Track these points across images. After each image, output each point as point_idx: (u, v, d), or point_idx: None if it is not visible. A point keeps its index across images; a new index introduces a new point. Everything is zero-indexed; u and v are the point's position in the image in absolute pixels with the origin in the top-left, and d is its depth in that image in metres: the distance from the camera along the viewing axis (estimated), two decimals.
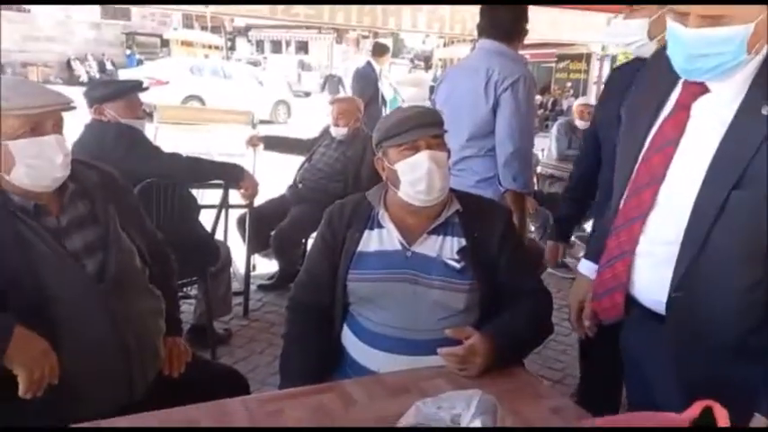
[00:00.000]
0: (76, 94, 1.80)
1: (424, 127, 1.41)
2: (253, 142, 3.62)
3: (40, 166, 1.20)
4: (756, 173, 0.97)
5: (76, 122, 2.01)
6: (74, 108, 1.28)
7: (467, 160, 2.36)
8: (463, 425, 0.77)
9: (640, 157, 1.17)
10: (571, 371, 2.87)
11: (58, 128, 1.24)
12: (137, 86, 2.38)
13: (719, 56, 1.00)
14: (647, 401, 1.19)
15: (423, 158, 1.38)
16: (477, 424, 0.76)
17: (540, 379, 1.31)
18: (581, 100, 5.25)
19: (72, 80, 20.05)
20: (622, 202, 1.22)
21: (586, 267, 1.45)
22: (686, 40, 1.01)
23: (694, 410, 0.80)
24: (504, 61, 2.29)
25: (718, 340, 1.08)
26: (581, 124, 4.82)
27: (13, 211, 1.20)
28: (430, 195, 1.41)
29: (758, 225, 0.99)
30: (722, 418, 0.78)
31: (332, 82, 16.06)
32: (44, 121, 1.21)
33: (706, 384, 0.87)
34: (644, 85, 1.25)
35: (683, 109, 1.10)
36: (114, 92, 2.31)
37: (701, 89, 1.08)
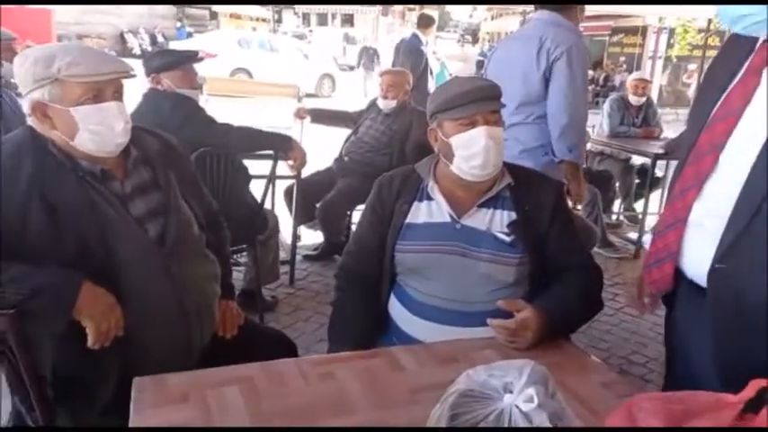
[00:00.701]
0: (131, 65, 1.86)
1: (482, 101, 1.39)
2: (300, 114, 3.65)
3: (102, 131, 1.25)
4: None
5: (135, 92, 2.08)
6: (134, 76, 1.32)
7: (513, 128, 2.35)
8: (515, 393, 0.78)
9: (706, 126, 1.13)
10: (616, 350, 2.84)
11: (118, 95, 1.29)
12: (193, 57, 2.44)
13: (740, 6, 0.96)
14: (687, 377, 1.18)
15: (480, 134, 1.37)
16: (529, 392, 0.76)
17: (587, 353, 1.30)
18: (636, 74, 5.04)
19: (125, 52, 20.59)
20: (684, 169, 1.18)
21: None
22: None
23: (750, 390, 0.78)
24: (557, 30, 2.28)
25: (759, 319, 1.03)
26: (634, 100, 4.65)
27: (83, 175, 1.25)
28: (485, 171, 1.40)
29: None
30: None
31: (367, 55, 15.67)
32: (105, 89, 1.25)
33: (744, 363, 0.84)
34: (722, 54, 1.20)
35: (754, 74, 1.05)
36: (172, 61, 2.37)
37: None
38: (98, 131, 1.25)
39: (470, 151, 1.38)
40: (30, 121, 1.25)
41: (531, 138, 2.35)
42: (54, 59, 1.20)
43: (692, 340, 1.22)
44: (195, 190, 1.53)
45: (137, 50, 21.14)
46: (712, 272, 1.07)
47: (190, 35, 20.17)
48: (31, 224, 1.17)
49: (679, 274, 1.22)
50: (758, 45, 1.07)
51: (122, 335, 1.23)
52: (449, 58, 14.21)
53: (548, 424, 0.76)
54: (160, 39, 21.81)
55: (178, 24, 22.66)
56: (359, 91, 13.65)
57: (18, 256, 1.15)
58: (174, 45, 16.39)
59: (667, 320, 1.35)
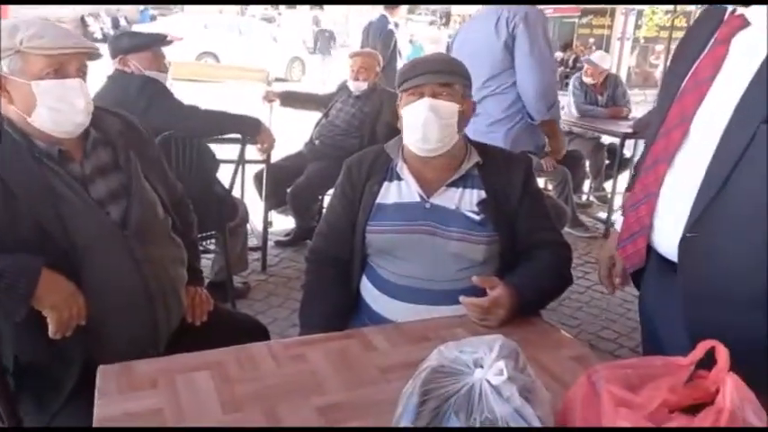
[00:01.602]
0: None
1: (430, 73, 1.38)
2: (269, 98, 3.59)
3: (62, 109, 1.20)
4: None
5: (99, 75, 2.01)
6: (99, 55, 1.27)
7: (482, 102, 2.45)
8: (485, 367, 0.78)
9: (675, 98, 1.14)
10: (586, 327, 2.90)
11: (81, 73, 1.24)
12: (161, 39, 2.37)
13: None
14: (658, 353, 1.20)
15: (422, 106, 1.37)
16: (499, 366, 0.76)
17: (558, 327, 1.31)
18: (593, 56, 5.03)
19: (86, 36, 19.91)
20: (654, 143, 1.19)
21: (620, 222, 1.43)
22: None
23: (698, 352, 0.81)
24: (511, 5, 2.41)
25: (730, 291, 1.05)
26: (589, 81, 4.70)
27: (39, 156, 1.20)
28: (425, 145, 1.39)
29: None
30: (723, 357, 0.78)
31: (323, 38, 14.86)
32: (68, 64, 1.20)
33: (713, 334, 0.86)
34: (691, 29, 1.21)
35: (722, 44, 1.06)
36: (140, 43, 2.30)
37: (742, 22, 1.03)
38: (58, 108, 1.19)
39: (412, 123, 1.38)
40: None
41: (498, 109, 2.45)
42: (17, 30, 1.15)
43: (663, 316, 1.24)
44: (159, 171, 1.49)
45: (98, 35, 20.46)
46: (683, 241, 1.08)
47: (153, 18, 19.59)
48: None
49: (649, 250, 1.23)
50: (726, 16, 1.08)
51: (87, 321, 1.20)
52: (421, 40, 14.17)
53: (517, 396, 0.76)
54: (123, 22, 21.16)
55: (141, 8, 22.00)
56: (323, 75, 13.26)
57: None
58: (138, 28, 15.94)
59: (640, 300, 1.37)
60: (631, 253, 1.27)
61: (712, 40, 1.10)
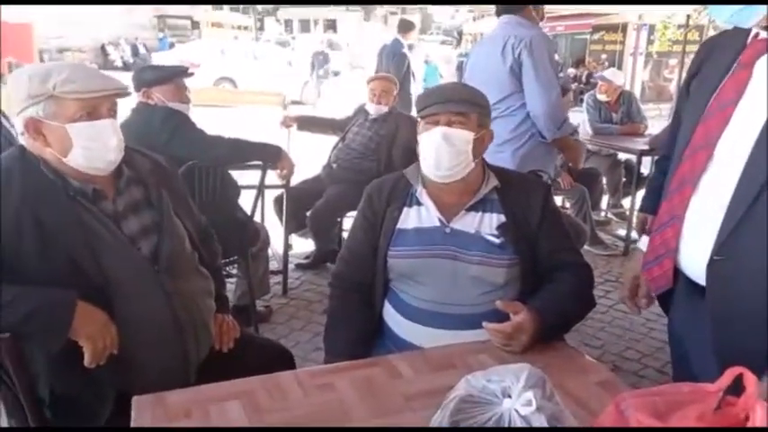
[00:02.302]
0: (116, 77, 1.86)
1: (444, 102, 1.42)
2: (287, 123, 3.66)
3: (95, 148, 1.25)
4: None
5: (122, 107, 2.08)
6: (129, 93, 1.32)
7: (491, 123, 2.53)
8: (513, 397, 0.79)
9: (700, 121, 1.15)
10: (609, 347, 2.87)
11: (112, 112, 1.29)
12: (183, 72, 2.45)
13: None
14: (690, 377, 1.19)
15: (435, 134, 1.41)
16: (527, 396, 0.77)
17: (582, 352, 1.31)
18: (606, 73, 5.05)
19: (106, 65, 20.46)
20: (679, 165, 1.20)
21: (644, 243, 1.43)
22: None
23: (726, 379, 0.81)
24: (517, 28, 2.53)
25: (758, 314, 1.05)
26: (603, 98, 4.70)
27: (73, 195, 1.25)
28: (438, 171, 1.42)
29: None
30: (751, 384, 0.79)
31: (317, 60, 14.66)
32: (100, 106, 1.26)
33: (743, 358, 0.86)
34: (708, 53, 1.22)
35: (745, 68, 1.08)
36: (162, 76, 2.39)
37: (764, 47, 1.05)
38: (92, 147, 1.25)
39: (426, 150, 1.43)
40: (22, 139, 1.25)
41: (506, 130, 2.53)
42: (50, 76, 1.20)
43: (693, 340, 1.23)
44: (186, 207, 1.53)
45: (118, 63, 21.01)
46: (710, 264, 1.09)
47: (172, 45, 20.08)
48: (23, 245, 1.17)
49: (676, 273, 1.23)
50: (749, 40, 1.10)
51: (119, 353, 1.23)
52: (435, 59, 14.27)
53: (546, 425, 0.77)
54: (142, 50, 21.71)
55: (160, 35, 22.57)
56: (346, 97, 13.15)
57: (11, 279, 1.14)
58: (157, 56, 16.31)
59: (669, 323, 1.37)
60: (658, 275, 1.27)
61: (735, 64, 1.11)
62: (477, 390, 0.82)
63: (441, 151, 1.39)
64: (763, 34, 1.06)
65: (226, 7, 23.79)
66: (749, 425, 0.79)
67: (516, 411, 0.78)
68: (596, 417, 0.88)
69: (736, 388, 0.84)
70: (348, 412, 1.02)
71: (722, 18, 1.06)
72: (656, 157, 4.01)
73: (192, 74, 2.47)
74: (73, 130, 1.23)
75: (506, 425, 0.78)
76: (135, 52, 21.77)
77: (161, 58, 15.04)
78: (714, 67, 1.18)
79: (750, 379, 0.83)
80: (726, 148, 1.08)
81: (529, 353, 1.22)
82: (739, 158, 1.05)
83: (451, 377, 0.94)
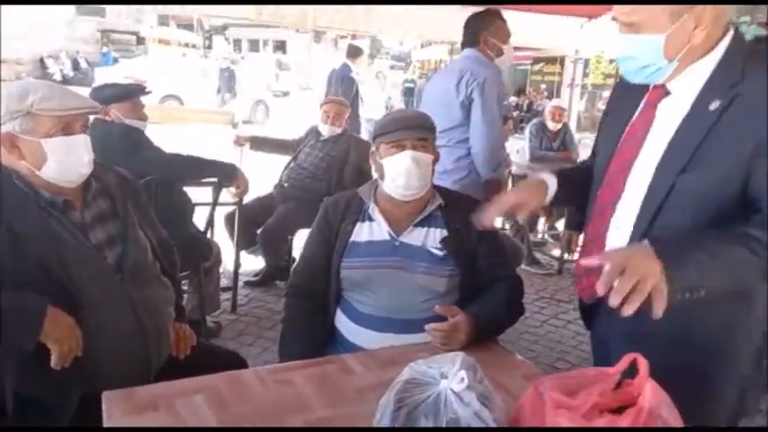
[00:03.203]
0: None
1: (410, 129, 1.58)
2: (240, 142, 3.74)
3: (68, 162, 1.34)
4: (702, 158, 1.15)
5: None
6: (99, 111, 1.41)
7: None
8: (449, 378, 0.93)
9: (615, 153, 1.35)
10: (542, 359, 3.08)
11: (84, 128, 1.38)
12: (141, 90, 2.51)
13: (640, 59, 1.19)
14: None
15: (405, 157, 1.56)
16: (461, 375, 0.92)
17: (512, 352, 1.48)
18: (554, 102, 5.49)
19: (45, 78, 19.70)
20: (599, 192, 1.39)
21: (548, 176, 1.45)
22: (618, 43, 1.22)
23: (623, 363, 0.99)
24: (475, 65, 2.68)
25: (662, 323, 1.25)
26: (552, 125, 5.06)
27: (44, 206, 1.33)
28: (407, 191, 1.58)
29: (703, 207, 1.16)
30: (643, 368, 0.96)
31: (223, 78, 14.08)
32: (74, 122, 1.35)
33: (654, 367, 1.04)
34: (621, 91, 1.42)
35: (651, 108, 1.28)
36: (120, 93, 2.44)
37: (664, 92, 1.26)
38: (65, 161, 1.33)
39: (396, 172, 1.57)
40: None
41: (448, 160, 2.67)
42: (27, 94, 1.28)
43: (613, 350, 1.40)
44: (149, 219, 1.62)
45: (57, 76, 20.25)
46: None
47: (116, 61, 19.62)
48: None
49: None
50: (651, 86, 1.31)
51: (84, 356, 1.30)
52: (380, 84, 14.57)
53: (476, 401, 0.92)
54: (83, 64, 21.05)
55: (104, 50, 21.98)
56: (296, 117, 12.80)
57: None
58: (100, 71, 15.91)
59: (592, 337, 1.53)
60: (587, 286, 1.45)
61: (643, 103, 1.32)
62: (419, 374, 0.96)
63: (411, 173, 1.55)
64: (660, 81, 1.27)
65: (173, 24, 23.51)
66: (640, 399, 0.96)
67: (451, 390, 0.92)
68: (520, 397, 1.04)
69: (633, 373, 1.02)
70: (307, 403, 1.14)
71: (636, 80, 1.26)
72: None
73: (149, 92, 2.54)
74: (48, 145, 1.31)
75: (443, 402, 0.92)
76: (76, 66, 21.09)
77: (104, 74, 14.70)
78: (624, 105, 1.38)
79: (642, 363, 1.01)
80: (637, 175, 1.28)
81: (465, 351, 1.37)
82: (644, 185, 1.25)
83: (397, 372, 1.07)
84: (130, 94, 2.48)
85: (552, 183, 1.42)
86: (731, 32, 1.19)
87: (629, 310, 0.99)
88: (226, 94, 13.47)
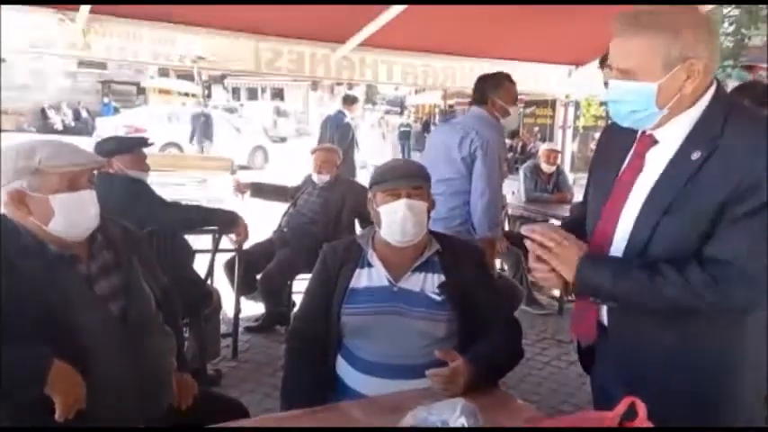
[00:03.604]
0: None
1: (406, 178, 1.63)
2: (240, 189, 3.80)
3: (76, 217, 1.38)
4: (682, 203, 1.20)
5: None
6: (104, 166, 1.46)
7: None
8: (450, 424, 0.95)
9: (608, 199, 1.40)
10: (547, 401, 3.05)
11: (90, 183, 1.42)
12: (143, 142, 2.58)
13: (631, 104, 1.25)
14: None
15: (400, 205, 1.60)
16: (462, 422, 0.93)
17: (513, 396, 1.48)
18: (547, 145, 5.61)
19: (46, 128, 20.01)
20: (593, 237, 1.42)
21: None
22: (609, 88, 1.28)
23: (621, 406, 1.00)
24: (481, 124, 2.80)
25: (651, 353, 1.28)
26: (546, 168, 5.15)
27: (52, 260, 1.36)
28: (403, 237, 1.62)
29: (681, 248, 1.21)
30: (642, 411, 0.98)
31: (198, 123, 13.37)
32: (80, 178, 1.39)
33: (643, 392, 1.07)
34: (609, 140, 1.48)
35: (639, 157, 1.33)
36: (123, 146, 2.51)
37: (652, 141, 1.31)
38: (72, 217, 1.37)
39: (392, 219, 1.61)
40: (4, 209, 1.35)
41: (445, 207, 2.75)
42: (35, 152, 1.33)
43: (613, 390, 1.42)
44: (152, 269, 1.65)
45: (58, 126, 20.59)
46: (609, 311, 1.33)
47: (117, 110, 19.97)
48: (4, 307, 1.25)
49: (600, 328, 1.43)
50: (639, 134, 1.36)
51: (87, 405, 1.30)
52: (374, 128, 14.91)
53: None
54: (84, 114, 21.41)
55: (105, 100, 22.38)
56: (294, 163, 12.36)
57: None
58: (101, 121, 16.17)
59: (591, 378, 1.55)
60: (584, 330, 1.47)
61: (632, 152, 1.37)
62: (420, 420, 0.98)
63: (407, 220, 1.59)
64: (649, 130, 1.33)
65: (173, 74, 24.03)
66: None
67: None
68: None
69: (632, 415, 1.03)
70: None
71: (625, 123, 1.32)
72: None
73: (152, 143, 2.61)
74: (55, 201, 1.35)
75: None
76: (77, 116, 21.45)
77: (105, 124, 14.95)
78: (613, 155, 1.44)
79: (641, 406, 1.02)
80: (625, 220, 1.33)
81: (466, 396, 1.37)
82: (629, 229, 1.30)
83: (399, 419, 1.08)
84: (132, 146, 2.55)
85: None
86: (714, 85, 1.25)
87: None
88: (204, 141, 13.14)
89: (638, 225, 1.27)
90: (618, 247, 1.32)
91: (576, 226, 1.56)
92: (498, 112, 2.87)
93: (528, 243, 1.30)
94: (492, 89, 2.85)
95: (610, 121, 1.40)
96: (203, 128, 13.16)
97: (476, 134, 2.73)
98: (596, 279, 1.25)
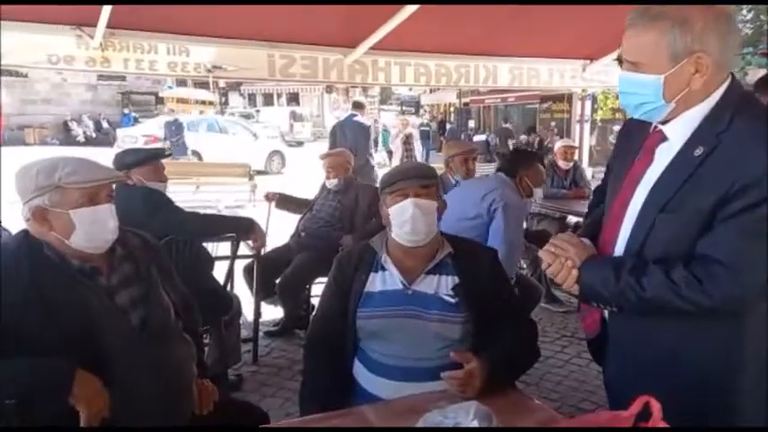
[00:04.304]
0: (75, 154, 1.97)
1: (412, 178, 1.65)
2: (270, 197, 3.89)
3: (95, 230, 1.42)
4: (680, 200, 1.20)
5: None
6: (123, 180, 1.50)
7: None
8: (464, 427, 0.95)
9: (617, 195, 1.40)
10: (567, 400, 3.03)
11: (109, 197, 1.47)
12: (161, 153, 2.64)
13: (639, 96, 1.25)
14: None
15: (408, 204, 1.62)
16: (474, 424, 0.94)
17: (530, 396, 1.48)
18: (563, 141, 5.55)
19: (69, 140, 20.46)
20: (602, 233, 1.43)
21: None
22: (619, 80, 1.28)
23: (636, 406, 1.00)
24: (505, 188, 2.94)
25: (648, 351, 1.28)
26: (563, 164, 5.11)
27: (74, 273, 1.41)
28: (415, 237, 1.63)
29: (677, 245, 1.21)
30: (656, 411, 0.98)
31: (170, 130, 13.03)
32: (100, 192, 1.44)
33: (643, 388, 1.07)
34: (628, 134, 1.48)
35: (649, 152, 1.33)
36: (142, 158, 2.57)
37: (661, 137, 1.31)
38: (92, 231, 1.41)
39: (402, 219, 1.63)
40: (27, 225, 1.40)
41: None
42: (55, 169, 1.38)
43: (617, 384, 1.42)
44: (171, 279, 1.68)
45: (81, 138, 21.02)
46: (610, 313, 1.33)
47: (136, 120, 20.30)
48: (28, 320, 1.30)
49: (604, 322, 1.44)
50: (651, 129, 1.36)
51: (111, 416, 1.34)
52: (393, 126, 14.96)
53: None
54: (105, 125, 21.81)
55: (125, 111, 22.78)
56: (311, 167, 12.32)
57: (16, 350, 1.26)
58: (121, 131, 16.46)
59: (604, 373, 1.54)
60: (590, 323, 1.48)
61: (642, 149, 1.37)
62: (434, 424, 0.99)
63: (416, 219, 1.61)
64: (659, 126, 1.32)
65: (190, 83, 24.35)
66: None
67: None
68: None
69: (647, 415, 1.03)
70: None
71: (635, 115, 1.32)
72: None
73: (169, 154, 2.67)
74: (76, 216, 1.39)
75: None
76: (98, 128, 21.87)
77: (125, 134, 15.21)
78: (628, 149, 1.44)
79: (655, 405, 1.02)
80: (630, 216, 1.32)
81: (482, 397, 1.38)
82: (629, 229, 1.30)
83: (414, 422, 1.09)
84: (151, 157, 2.60)
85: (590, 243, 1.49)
86: (728, 80, 1.24)
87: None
88: (176, 148, 12.68)
89: (638, 223, 1.28)
90: (621, 246, 1.32)
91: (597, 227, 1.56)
92: (524, 190, 3.01)
93: (542, 253, 1.34)
94: (524, 167, 3.01)
95: (629, 115, 1.40)
96: (174, 134, 13.01)
97: (498, 194, 2.85)
98: (595, 286, 1.27)
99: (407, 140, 11.55)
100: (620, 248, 1.33)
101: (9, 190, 1.56)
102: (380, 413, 1.35)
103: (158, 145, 11.94)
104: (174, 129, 13.12)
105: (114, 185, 2.53)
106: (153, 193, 2.50)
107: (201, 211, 2.74)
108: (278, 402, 2.89)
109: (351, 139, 6.02)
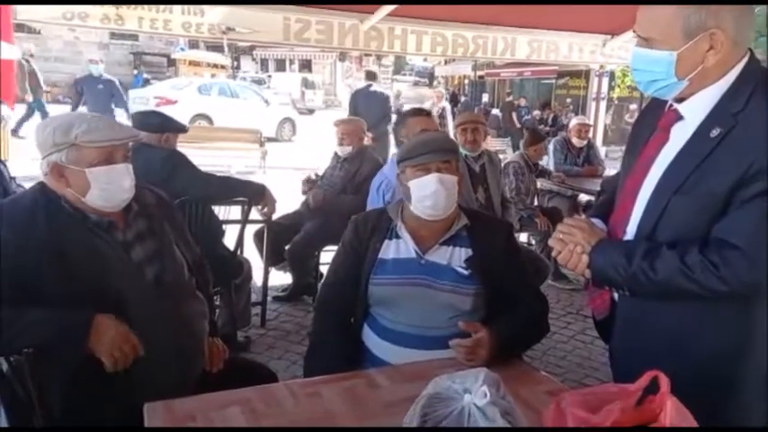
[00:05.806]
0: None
1: (435, 152, 1.63)
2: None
3: (111, 189, 1.43)
4: (695, 183, 1.18)
5: None
6: (140, 139, 1.50)
7: None
8: (472, 393, 0.97)
9: (630, 173, 1.38)
10: (570, 375, 3.06)
11: (126, 157, 1.47)
12: (181, 128, 2.69)
13: (651, 73, 1.22)
14: None
15: (431, 180, 1.60)
16: (483, 390, 0.95)
17: (536, 368, 1.50)
18: (578, 119, 5.48)
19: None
20: (613, 212, 1.42)
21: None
22: (632, 56, 1.26)
23: (644, 380, 1.01)
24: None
25: (657, 337, 1.28)
26: (577, 142, 5.06)
27: (91, 227, 1.42)
28: (436, 211, 1.62)
29: (690, 228, 1.20)
30: (664, 385, 0.98)
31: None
32: (116, 152, 1.44)
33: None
34: (648, 112, 1.45)
35: (664, 131, 1.31)
36: (167, 126, 2.59)
37: (677, 116, 1.28)
38: (108, 189, 1.42)
39: (423, 193, 1.61)
40: (45, 179, 1.42)
41: None
42: (72, 127, 1.38)
43: (628, 363, 1.42)
44: (184, 237, 1.70)
45: None
46: (621, 296, 1.33)
47: (147, 81, 20.17)
48: (45, 271, 1.32)
49: (613, 303, 1.44)
50: (666, 108, 1.34)
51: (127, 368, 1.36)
52: (407, 99, 14.80)
53: (499, 417, 0.95)
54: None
55: (135, 71, 22.64)
56: (319, 134, 11.88)
57: (34, 301, 1.29)
58: (132, 92, 16.38)
59: (609, 351, 1.55)
60: (599, 303, 1.48)
61: (657, 128, 1.35)
62: (443, 389, 1.00)
63: (439, 194, 1.60)
64: (675, 105, 1.30)
65: (203, 46, 24.12)
66: (661, 416, 0.98)
67: (474, 405, 0.96)
68: (543, 411, 1.07)
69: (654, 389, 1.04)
70: (335, 417, 1.19)
71: (648, 92, 1.30)
72: None
73: (186, 130, 2.68)
74: (92, 175, 1.40)
75: (466, 416, 0.95)
76: None
77: (136, 95, 15.13)
78: (645, 125, 1.42)
79: (663, 380, 1.03)
80: (642, 196, 1.31)
81: (489, 367, 1.39)
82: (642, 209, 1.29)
83: (421, 387, 1.10)
84: (169, 129, 2.62)
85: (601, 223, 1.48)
86: (746, 58, 1.21)
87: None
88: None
89: (650, 204, 1.26)
90: (632, 227, 1.31)
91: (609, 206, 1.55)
92: None
93: (552, 242, 1.34)
94: None
95: (643, 92, 1.38)
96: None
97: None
98: (607, 271, 1.25)
99: (442, 114, 10.64)
100: (631, 229, 1.31)
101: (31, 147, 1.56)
102: (389, 376, 1.37)
103: (152, 106, 11.79)
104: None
105: (134, 145, 2.59)
106: (173, 154, 2.53)
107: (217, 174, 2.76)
108: (284, 365, 2.94)
109: (373, 108, 5.97)
